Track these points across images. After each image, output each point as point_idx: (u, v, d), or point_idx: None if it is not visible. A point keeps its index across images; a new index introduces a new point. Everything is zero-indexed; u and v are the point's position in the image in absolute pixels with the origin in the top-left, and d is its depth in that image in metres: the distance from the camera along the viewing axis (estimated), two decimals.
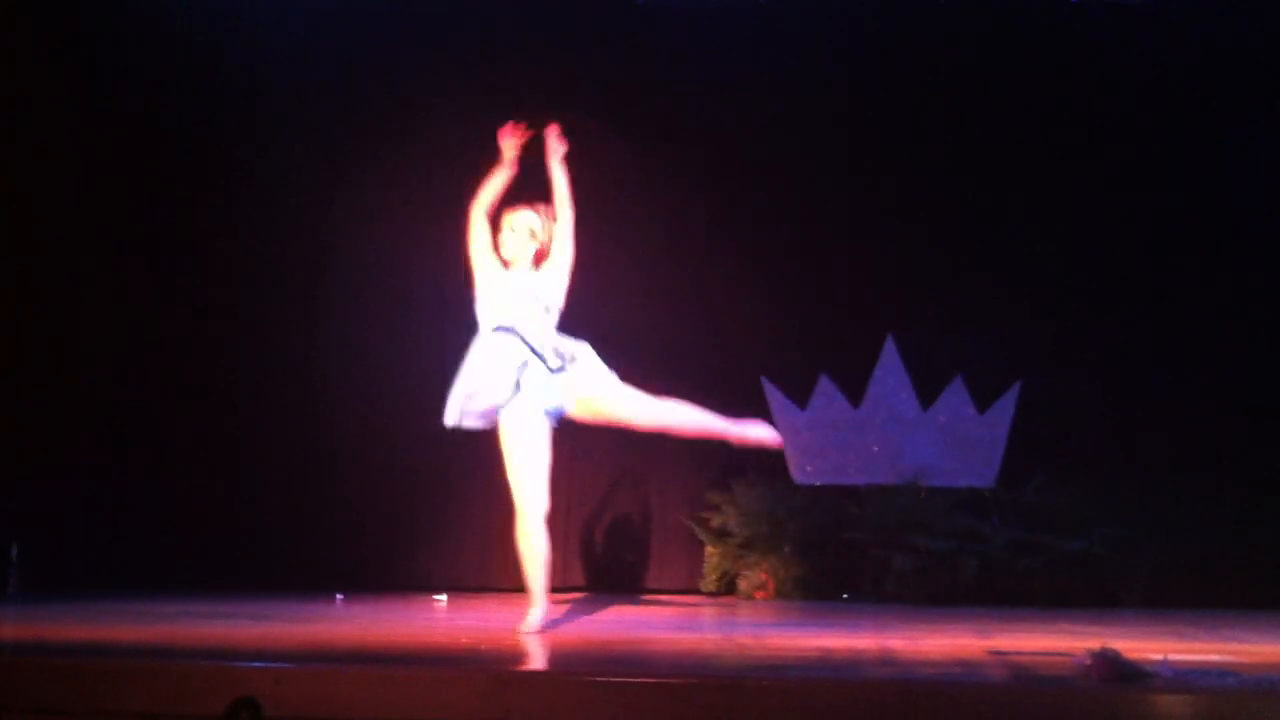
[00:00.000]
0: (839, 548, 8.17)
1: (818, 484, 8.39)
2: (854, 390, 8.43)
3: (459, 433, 7.57)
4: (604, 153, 8.52)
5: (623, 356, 8.43)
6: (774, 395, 8.43)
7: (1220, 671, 4.71)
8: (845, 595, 8.16)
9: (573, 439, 8.44)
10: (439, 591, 7.91)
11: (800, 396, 8.43)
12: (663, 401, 5.89)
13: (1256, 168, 8.22)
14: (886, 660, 5.16)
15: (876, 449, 8.39)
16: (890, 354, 8.42)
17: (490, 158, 5.90)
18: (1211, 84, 8.30)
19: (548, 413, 5.79)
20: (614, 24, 8.59)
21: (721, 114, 8.55)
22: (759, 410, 8.39)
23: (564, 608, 7.10)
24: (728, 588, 8.25)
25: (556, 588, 7.88)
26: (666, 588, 8.24)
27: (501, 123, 5.92)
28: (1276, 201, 8.22)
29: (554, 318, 5.86)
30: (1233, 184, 8.30)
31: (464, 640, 5.65)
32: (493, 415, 5.78)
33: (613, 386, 5.84)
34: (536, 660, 5.09)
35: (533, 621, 5.78)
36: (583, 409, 5.87)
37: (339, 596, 7.64)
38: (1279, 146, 8.18)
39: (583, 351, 5.85)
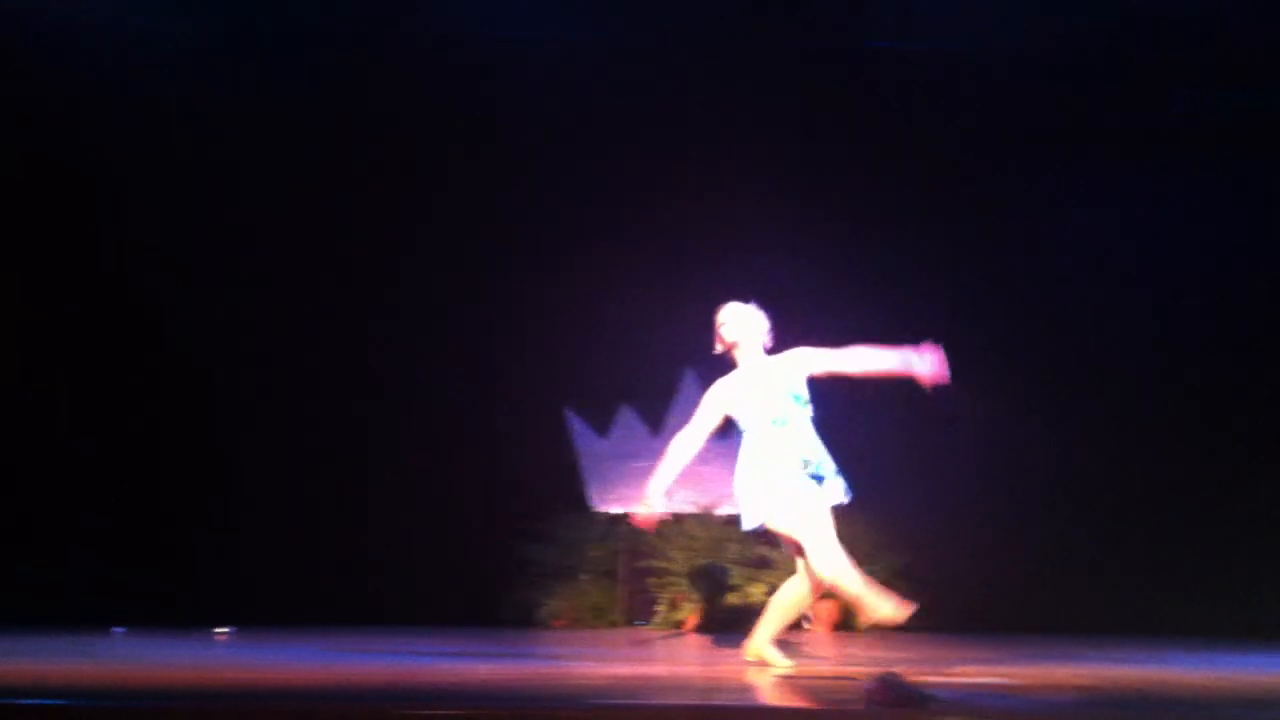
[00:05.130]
0: (636, 576, 8.22)
1: (616, 513, 8.43)
2: (655, 421, 8.51)
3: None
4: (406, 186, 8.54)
5: (429, 384, 8.53)
6: (576, 424, 8.45)
7: (1000, 694, 4.88)
8: (639, 622, 8.20)
9: (380, 467, 8.44)
10: (222, 627, 7.68)
11: (601, 426, 8.47)
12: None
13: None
14: (679, 687, 5.21)
15: (675, 478, 8.46)
16: (690, 385, 8.51)
17: None
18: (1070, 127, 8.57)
19: None
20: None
21: (531, 149, 8.57)
22: (560, 440, 8.47)
23: (360, 643, 6.97)
24: (527, 617, 8.20)
25: (360, 623, 7.77)
26: (465, 619, 8.12)
27: None
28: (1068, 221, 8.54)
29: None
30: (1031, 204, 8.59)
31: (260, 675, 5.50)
32: None
33: None
34: (340, 694, 4.98)
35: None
36: None
37: (118, 630, 7.36)
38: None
39: None
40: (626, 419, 8.50)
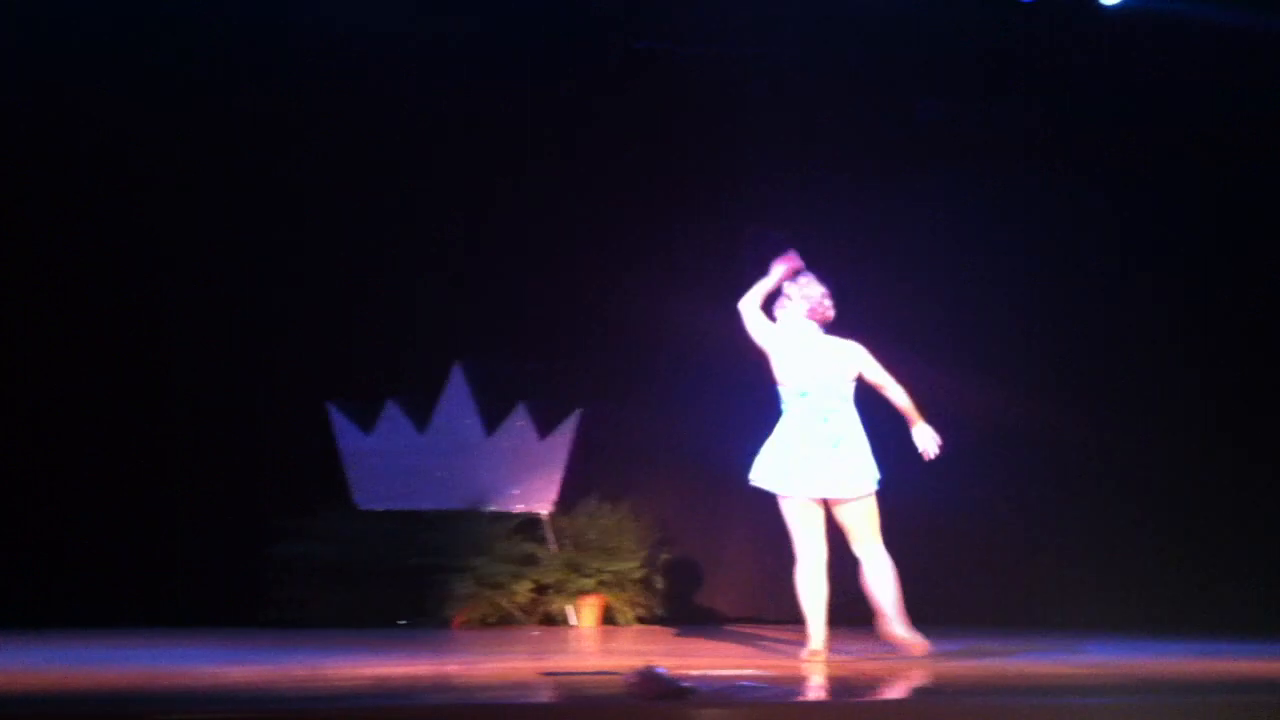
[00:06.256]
0: (401, 573, 8.15)
1: (381, 510, 8.36)
2: (421, 416, 8.47)
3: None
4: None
5: (187, 378, 8.28)
6: (339, 420, 8.35)
7: (753, 685, 5.05)
8: (403, 621, 8.13)
9: (137, 463, 8.17)
10: None
11: (366, 422, 8.39)
12: None
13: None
14: (443, 686, 5.22)
15: (441, 475, 8.46)
16: (457, 381, 8.51)
17: None
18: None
19: None
20: None
21: (295, 141, 8.42)
22: (325, 436, 8.35)
23: (116, 645, 6.75)
24: (289, 617, 8.03)
25: (118, 624, 7.50)
26: (225, 619, 7.92)
27: None
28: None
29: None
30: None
31: None
32: None
33: None
34: (89, 699, 4.82)
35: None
36: None
37: None
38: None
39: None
40: (392, 414, 8.43)
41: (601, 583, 8.23)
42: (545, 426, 8.51)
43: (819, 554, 6.13)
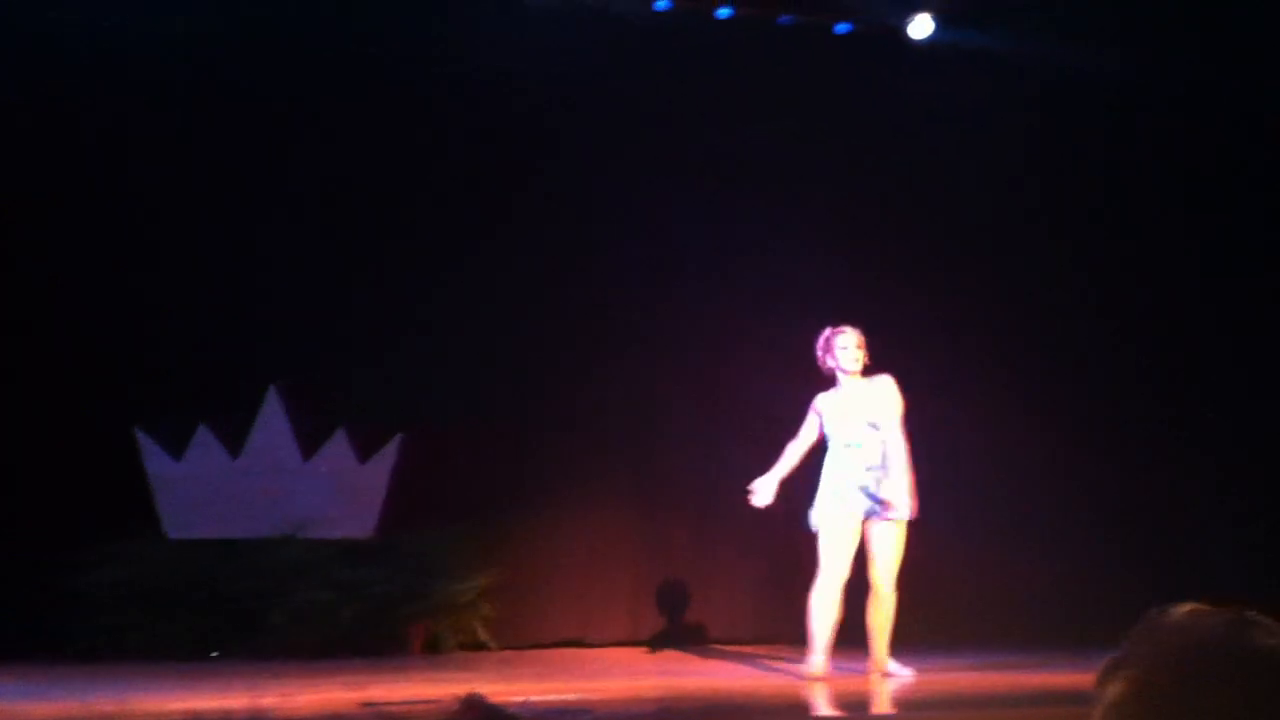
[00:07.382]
0: (213, 603, 7.87)
1: (193, 538, 8.08)
2: (235, 441, 8.22)
3: None
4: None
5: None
6: (147, 446, 8.06)
7: (576, 710, 5.01)
8: (215, 653, 7.85)
9: None
10: None
11: (176, 447, 8.11)
12: None
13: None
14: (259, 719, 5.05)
15: (257, 500, 8.22)
16: (273, 404, 8.30)
17: None
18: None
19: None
20: None
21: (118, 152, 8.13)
22: (132, 462, 8.03)
23: None
24: (90, 651, 7.68)
25: None
26: (24, 652, 7.54)
27: None
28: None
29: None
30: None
31: None
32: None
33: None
34: None
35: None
36: None
37: None
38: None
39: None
40: (204, 439, 8.17)
41: (425, 608, 8.09)
42: (366, 450, 8.35)
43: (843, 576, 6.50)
